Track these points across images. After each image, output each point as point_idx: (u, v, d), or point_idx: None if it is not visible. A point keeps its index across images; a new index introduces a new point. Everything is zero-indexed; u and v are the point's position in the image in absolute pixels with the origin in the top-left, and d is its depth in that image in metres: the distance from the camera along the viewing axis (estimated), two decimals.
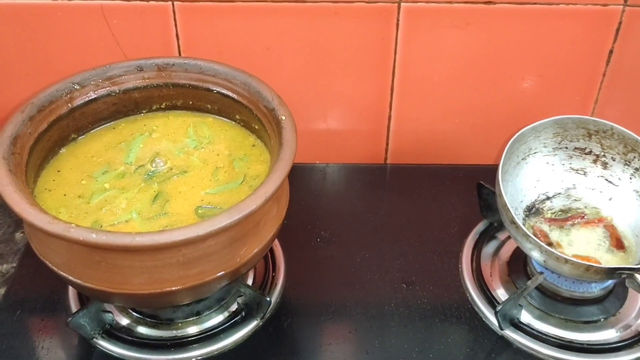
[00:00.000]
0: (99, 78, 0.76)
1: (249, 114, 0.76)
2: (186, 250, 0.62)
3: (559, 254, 0.70)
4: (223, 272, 0.65)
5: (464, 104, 0.93)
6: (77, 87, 0.75)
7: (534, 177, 0.84)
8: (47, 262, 0.66)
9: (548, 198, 0.84)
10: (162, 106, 0.81)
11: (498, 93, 0.92)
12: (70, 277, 0.65)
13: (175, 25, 0.86)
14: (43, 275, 0.81)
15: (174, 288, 0.64)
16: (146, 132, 0.79)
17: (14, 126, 0.68)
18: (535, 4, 0.84)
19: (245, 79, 0.76)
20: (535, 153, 0.83)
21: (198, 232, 0.59)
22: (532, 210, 0.84)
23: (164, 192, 0.71)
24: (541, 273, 0.78)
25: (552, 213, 0.84)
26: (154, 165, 0.75)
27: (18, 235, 0.93)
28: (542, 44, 0.88)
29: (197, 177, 0.73)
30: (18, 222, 0.95)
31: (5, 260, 0.90)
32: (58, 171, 0.74)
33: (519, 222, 0.73)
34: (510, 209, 0.73)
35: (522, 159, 0.82)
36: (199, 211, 0.69)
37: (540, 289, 0.79)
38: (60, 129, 0.74)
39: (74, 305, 0.78)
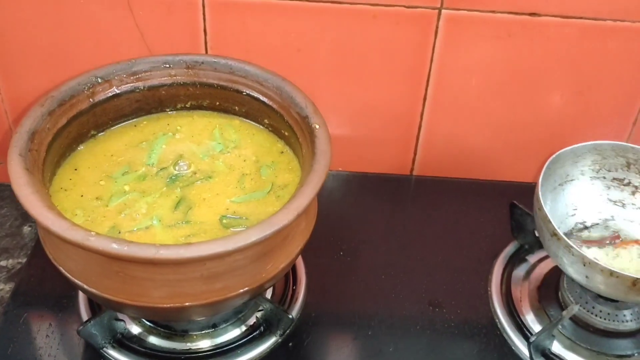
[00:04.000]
0: (123, 73, 0.72)
1: (279, 119, 0.72)
2: (211, 265, 0.58)
3: (604, 265, 0.65)
4: (247, 288, 0.62)
5: (499, 118, 0.90)
6: (100, 81, 0.71)
7: (571, 205, 0.80)
8: (61, 269, 0.62)
9: (585, 227, 0.80)
10: (187, 105, 0.77)
11: (535, 109, 0.88)
12: (85, 286, 0.61)
13: (204, 20, 0.82)
14: (53, 276, 0.76)
15: (195, 303, 0.60)
16: (169, 132, 0.75)
17: (32, 121, 0.64)
18: (581, 18, 0.80)
19: (278, 82, 0.72)
20: (572, 180, 0.79)
21: (227, 247, 0.55)
22: (570, 239, 0.80)
23: (187, 198, 0.68)
24: (576, 303, 0.74)
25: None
26: (177, 168, 0.71)
27: (25, 229, 0.90)
28: (585, 61, 0.84)
29: (222, 184, 0.69)
30: (25, 215, 0.91)
31: (11, 255, 0.86)
32: (75, 169, 0.70)
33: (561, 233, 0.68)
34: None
35: (560, 184, 0.78)
36: (224, 221, 0.65)
37: (573, 319, 0.75)
38: (79, 124, 0.70)
39: (84, 311, 0.74)
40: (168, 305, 0.60)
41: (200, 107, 0.77)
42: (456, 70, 0.86)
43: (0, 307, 0.77)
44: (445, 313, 0.77)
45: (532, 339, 0.70)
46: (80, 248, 0.55)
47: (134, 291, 0.59)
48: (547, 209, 0.70)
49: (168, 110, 0.77)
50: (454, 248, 0.84)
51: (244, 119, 0.76)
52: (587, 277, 0.68)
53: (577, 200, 0.80)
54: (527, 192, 0.89)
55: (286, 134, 0.72)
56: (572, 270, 0.69)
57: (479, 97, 0.88)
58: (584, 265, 0.67)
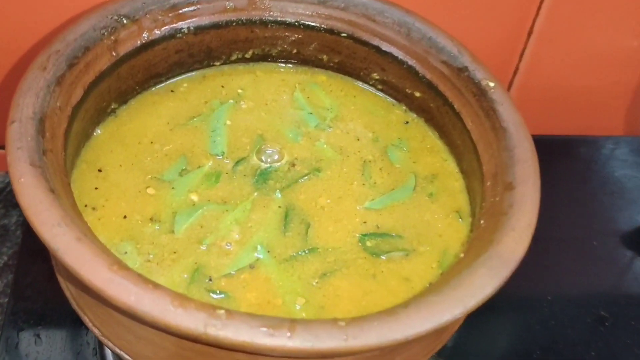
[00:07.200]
0: (157, 7, 0.45)
1: (406, 72, 0.47)
2: None
3: None
4: (433, 352, 0.39)
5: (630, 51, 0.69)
6: (124, 21, 0.43)
7: None
8: (125, 355, 0.36)
9: None
10: (246, 56, 0.50)
11: None
12: None
13: None
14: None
15: None
16: (229, 99, 0.48)
17: (35, 97, 0.37)
18: None
19: (402, 16, 0.47)
20: None
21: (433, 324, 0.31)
22: None
23: (295, 207, 0.42)
24: None
25: None
26: (263, 158, 0.45)
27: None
28: None
29: (341, 180, 0.44)
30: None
31: None
32: (99, 171, 0.42)
33: None
34: None
35: None
36: (367, 243, 0.41)
37: None
38: (98, 95, 0.43)
39: None
40: None
41: (264, 58, 0.51)
42: None
43: None
44: (618, 329, 0.56)
45: None
46: (198, 342, 0.29)
47: None
48: None
49: (217, 63, 0.50)
50: (595, 239, 0.64)
51: (335, 73, 0.51)
52: None
53: None
54: None
55: (416, 94, 0.48)
56: None
57: (604, 27, 0.66)
58: None
